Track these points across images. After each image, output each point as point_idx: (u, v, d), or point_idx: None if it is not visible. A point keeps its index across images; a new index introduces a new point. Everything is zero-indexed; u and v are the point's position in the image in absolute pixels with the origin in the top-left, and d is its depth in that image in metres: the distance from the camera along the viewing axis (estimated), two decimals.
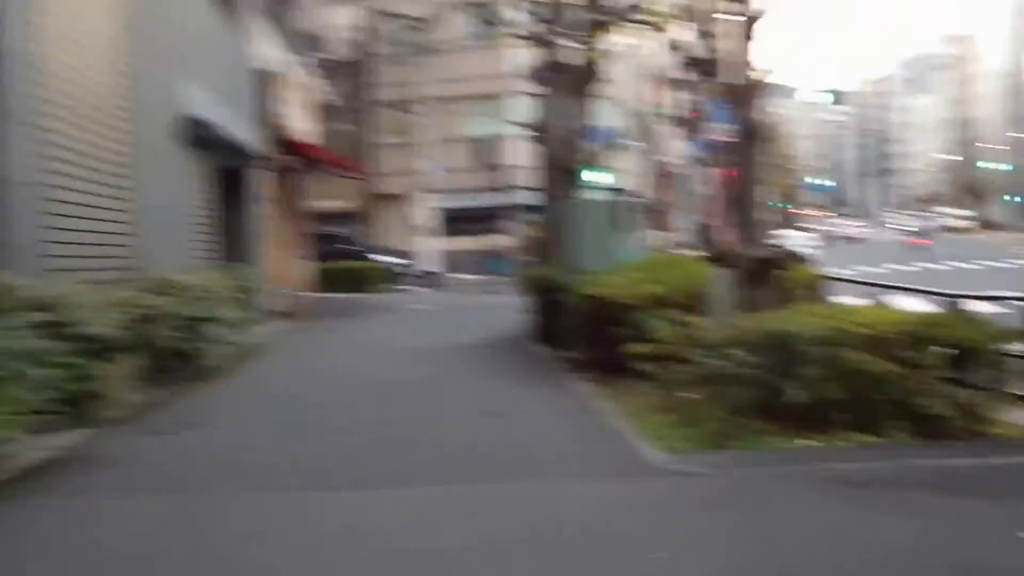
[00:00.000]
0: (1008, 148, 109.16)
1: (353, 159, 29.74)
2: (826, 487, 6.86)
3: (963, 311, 9.23)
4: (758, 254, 10.70)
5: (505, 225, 35.04)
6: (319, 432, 9.18)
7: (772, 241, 11.00)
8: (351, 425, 9.46)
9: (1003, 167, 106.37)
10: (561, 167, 15.72)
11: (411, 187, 36.20)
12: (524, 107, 40.26)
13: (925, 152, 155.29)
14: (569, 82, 15.81)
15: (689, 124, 31.45)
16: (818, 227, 74.99)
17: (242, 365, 13.07)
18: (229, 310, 12.73)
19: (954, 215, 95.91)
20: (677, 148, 35.17)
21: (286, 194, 24.02)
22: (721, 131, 31.43)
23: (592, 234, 13.17)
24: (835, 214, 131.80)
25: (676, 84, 35.61)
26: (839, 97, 36.94)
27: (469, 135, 34.11)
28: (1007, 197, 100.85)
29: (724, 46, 10.98)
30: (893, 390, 8.18)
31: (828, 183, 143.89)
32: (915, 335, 8.35)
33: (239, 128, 17.58)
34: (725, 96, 11.05)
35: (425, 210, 33.93)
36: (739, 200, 11.19)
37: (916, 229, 63.82)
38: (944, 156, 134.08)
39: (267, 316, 18.98)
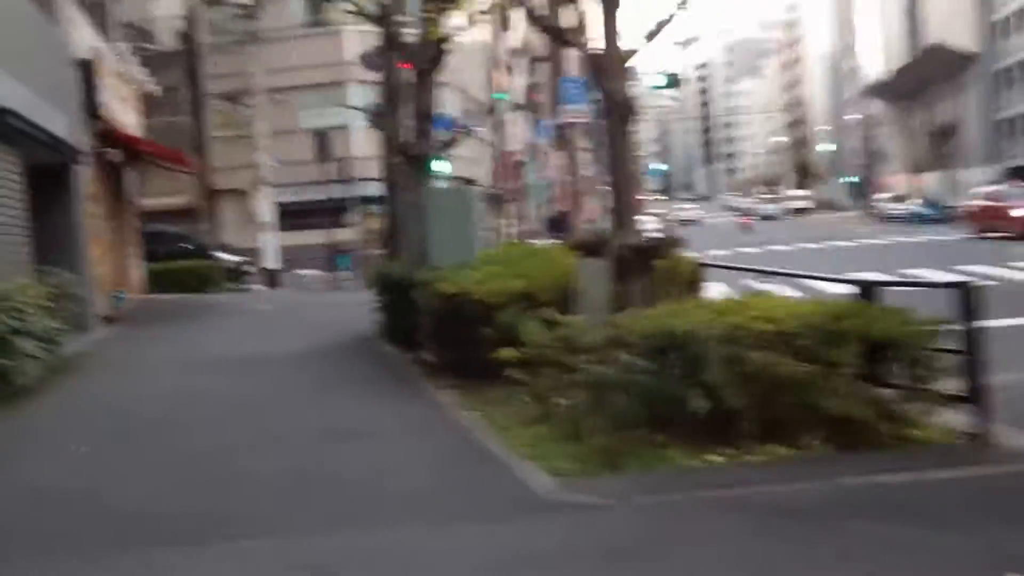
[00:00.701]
0: (831, 129, 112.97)
1: (183, 152, 27.81)
2: (753, 519, 5.85)
3: (871, 299, 8.42)
4: (633, 242, 9.74)
5: (349, 218, 33.59)
6: (126, 471, 7.84)
7: (641, 227, 10.02)
8: (162, 461, 8.09)
9: (830, 147, 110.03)
10: (406, 155, 14.56)
11: (250, 181, 34.39)
12: (365, 95, 39.16)
13: (757, 136, 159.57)
14: (410, 65, 14.63)
15: (535, 107, 30.55)
16: (658, 212, 75.84)
17: (53, 383, 11.50)
18: (39, 320, 11.20)
19: (795, 196, 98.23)
20: (522, 134, 34.40)
21: (114, 191, 22.20)
22: (574, 111, 30.78)
23: (443, 226, 12.01)
24: (670, 199, 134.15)
25: (520, 67, 34.78)
26: (674, 81, 36.66)
27: (308, 126, 32.43)
28: (841, 179, 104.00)
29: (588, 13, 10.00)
30: (805, 394, 7.29)
31: (663, 167, 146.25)
32: (825, 329, 7.47)
33: (55, 121, 15.86)
34: (592, 69, 10.05)
35: (265, 205, 32.19)
36: (612, 183, 10.22)
37: (743, 210, 67.31)
38: (776, 139, 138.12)
39: (92, 323, 17.33)
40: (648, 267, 9.73)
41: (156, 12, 32.89)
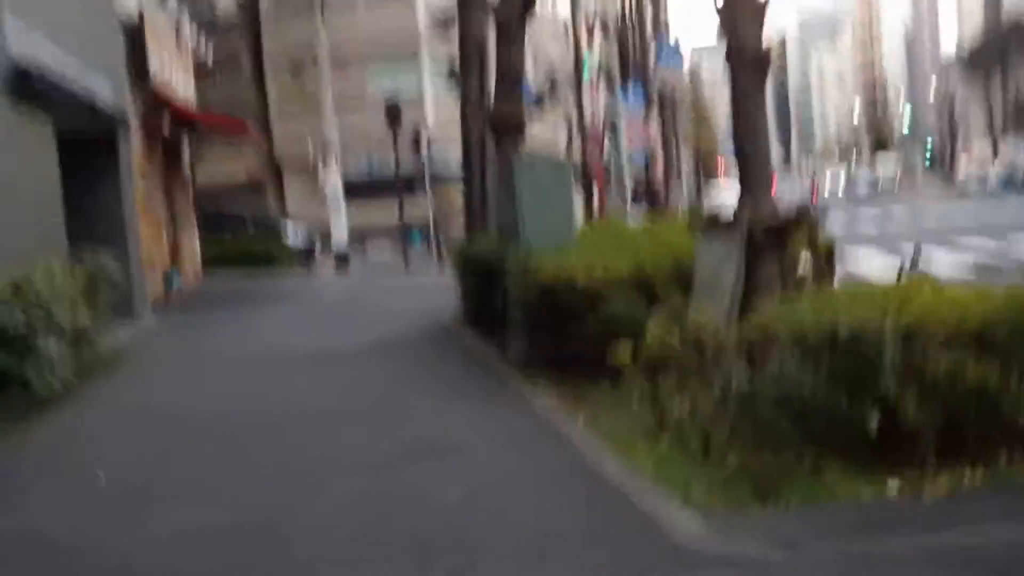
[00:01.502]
0: (908, 102, 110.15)
1: (245, 123, 26.16)
2: None
3: None
4: (768, 218, 7.85)
5: (422, 193, 31.95)
6: (148, 513, 6.18)
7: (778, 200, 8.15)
8: (203, 494, 6.51)
9: (908, 116, 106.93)
10: (491, 122, 12.72)
11: (316, 155, 32.85)
12: (439, 65, 37.49)
13: (831, 109, 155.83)
14: (499, 20, 12.70)
15: (624, 73, 28.57)
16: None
17: (84, 389, 10.04)
18: (72, 313, 9.61)
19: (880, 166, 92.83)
20: (603, 104, 32.46)
21: (168, 165, 20.72)
22: (672, 73, 28.77)
23: (537, 202, 10.27)
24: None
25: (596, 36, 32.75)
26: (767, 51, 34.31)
27: (379, 96, 30.85)
28: (920, 148, 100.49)
29: None
30: (1002, 404, 5.54)
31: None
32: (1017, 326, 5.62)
33: (96, 85, 14.34)
34: (721, 14, 8.12)
35: (332, 180, 30.56)
36: (740, 149, 8.32)
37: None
38: (855, 110, 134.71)
39: (140, 309, 15.86)
40: (784, 247, 7.87)
41: None
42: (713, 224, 8.65)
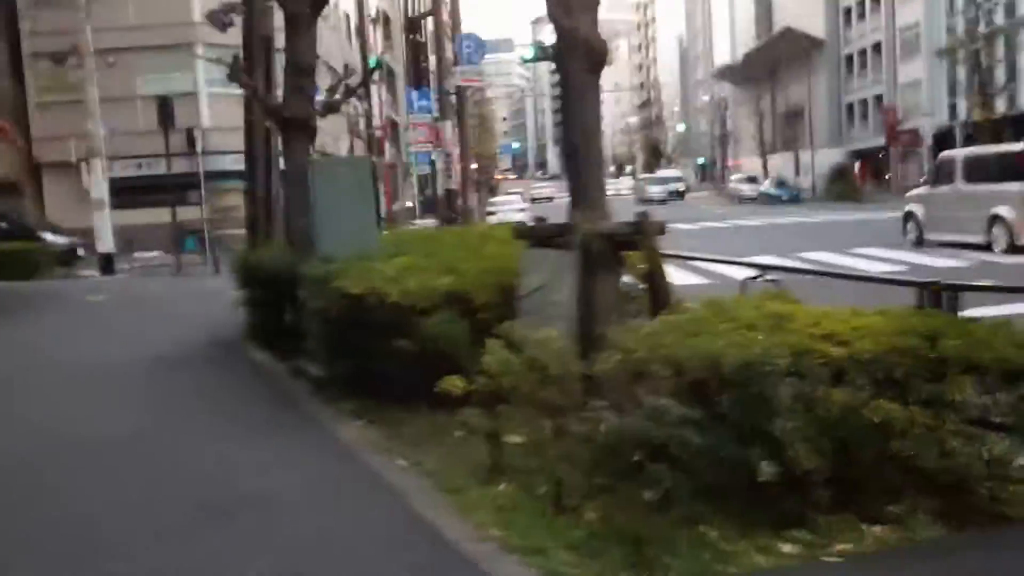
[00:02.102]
0: (681, 111, 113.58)
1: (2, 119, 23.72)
2: None
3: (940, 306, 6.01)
4: (605, 228, 7.10)
5: (196, 196, 30.07)
6: None
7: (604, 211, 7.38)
8: None
9: (681, 128, 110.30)
10: (278, 119, 11.50)
11: (82, 153, 30.40)
12: (215, 58, 35.54)
13: (607, 117, 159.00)
14: (288, 12, 11.52)
15: (418, 73, 27.50)
16: (518, 190, 73.75)
17: None
18: None
19: (669, 177, 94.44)
20: (386, 105, 31.39)
21: None
22: (470, 73, 27.84)
23: (336, 207, 9.17)
24: (524, 178, 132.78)
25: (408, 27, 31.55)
26: (541, 53, 34.21)
27: (149, 92, 28.78)
28: (694, 160, 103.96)
29: None
30: (902, 448, 4.88)
31: (515, 146, 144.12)
32: (921, 356, 5.05)
33: None
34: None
35: (98, 180, 28.28)
36: (571, 152, 7.53)
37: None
38: (628, 120, 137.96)
39: None
40: (620, 260, 7.14)
41: None
42: (542, 235, 7.87)
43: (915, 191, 25.08)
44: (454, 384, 5.94)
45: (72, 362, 11.11)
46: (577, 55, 7.39)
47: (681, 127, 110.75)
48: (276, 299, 10.15)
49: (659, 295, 6.84)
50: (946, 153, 24.96)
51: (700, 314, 5.90)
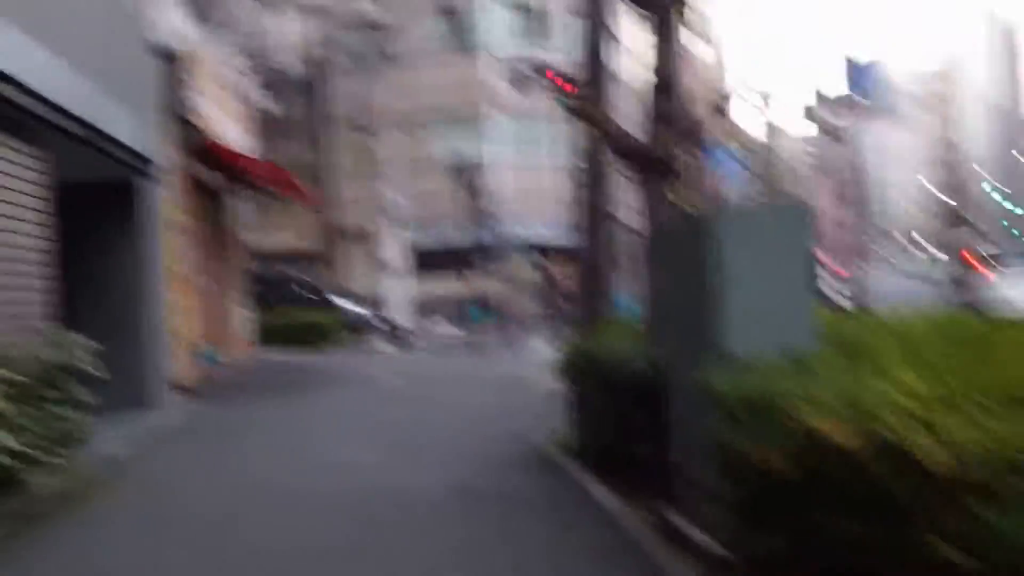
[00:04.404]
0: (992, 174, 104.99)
1: (301, 181, 22.20)
2: None
3: None
4: None
5: (488, 266, 28.07)
6: None
7: None
8: None
9: (997, 194, 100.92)
10: (635, 157, 8.37)
11: (376, 221, 29.10)
12: (508, 126, 33.79)
13: (908, 183, 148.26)
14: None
15: None
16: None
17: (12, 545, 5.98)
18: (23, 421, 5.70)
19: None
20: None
21: (213, 224, 16.99)
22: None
23: (753, 283, 5.76)
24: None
25: None
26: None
27: (445, 159, 27.24)
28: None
29: None
30: None
31: None
32: None
33: (110, 115, 10.60)
34: None
35: (394, 248, 26.75)
36: None
37: None
38: (932, 187, 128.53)
39: (159, 398, 12.08)
40: None
41: (278, 31, 27.96)
42: None
43: None
44: None
45: (361, 476, 8.31)
46: None
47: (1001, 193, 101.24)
48: (625, 409, 7.14)
49: None
50: None
51: None
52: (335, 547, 5.99)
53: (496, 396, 14.02)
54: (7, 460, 5.63)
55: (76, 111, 9.51)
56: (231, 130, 17.54)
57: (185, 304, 14.39)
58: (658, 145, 7.79)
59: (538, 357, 20.89)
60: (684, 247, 6.52)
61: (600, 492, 7.35)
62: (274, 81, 25.09)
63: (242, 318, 19.38)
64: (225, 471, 8.46)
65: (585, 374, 8.31)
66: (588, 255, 10.05)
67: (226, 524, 6.60)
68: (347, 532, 6.39)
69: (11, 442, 5.68)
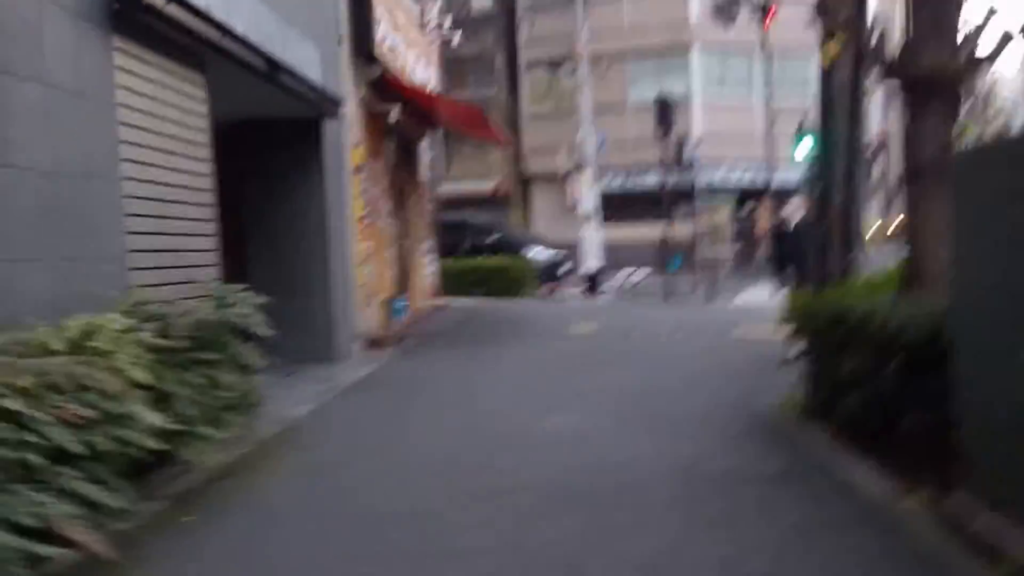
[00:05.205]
0: None
1: (496, 126, 21.01)
2: None
3: None
4: None
5: (684, 211, 26.51)
6: None
7: None
8: None
9: None
10: (912, 77, 6.75)
11: (568, 165, 27.88)
12: (711, 63, 31.88)
13: None
14: None
15: None
16: None
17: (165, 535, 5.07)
18: (134, 405, 4.75)
19: None
20: None
21: (401, 167, 16.16)
22: None
23: None
24: None
25: None
26: None
27: (643, 100, 25.73)
28: None
29: None
30: None
31: None
32: None
33: (293, 48, 9.71)
34: None
35: (587, 192, 25.49)
36: None
37: None
38: None
39: (345, 351, 11.34)
40: None
41: None
42: None
43: None
44: None
45: (559, 449, 7.12)
46: None
47: None
48: (888, 374, 5.79)
49: None
50: None
51: None
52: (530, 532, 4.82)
53: (695, 341, 12.82)
54: (149, 442, 4.68)
55: (261, 45, 8.63)
56: (418, 67, 16.58)
57: (371, 252, 13.59)
58: (930, 57, 6.25)
59: (741, 307, 19.38)
60: (977, 185, 5.02)
61: (858, 473, 6.01)
62: (464, 17, 24.09)
63: (428, 266, 18.57)
64: (412, 447, 7.38)
65: (831, 331, 6.95)
66: (828, 193, 8.50)
67: (409, 523, 5.44)
68: (544, 514, 5.27)
69: (155, 419, 4.73)
